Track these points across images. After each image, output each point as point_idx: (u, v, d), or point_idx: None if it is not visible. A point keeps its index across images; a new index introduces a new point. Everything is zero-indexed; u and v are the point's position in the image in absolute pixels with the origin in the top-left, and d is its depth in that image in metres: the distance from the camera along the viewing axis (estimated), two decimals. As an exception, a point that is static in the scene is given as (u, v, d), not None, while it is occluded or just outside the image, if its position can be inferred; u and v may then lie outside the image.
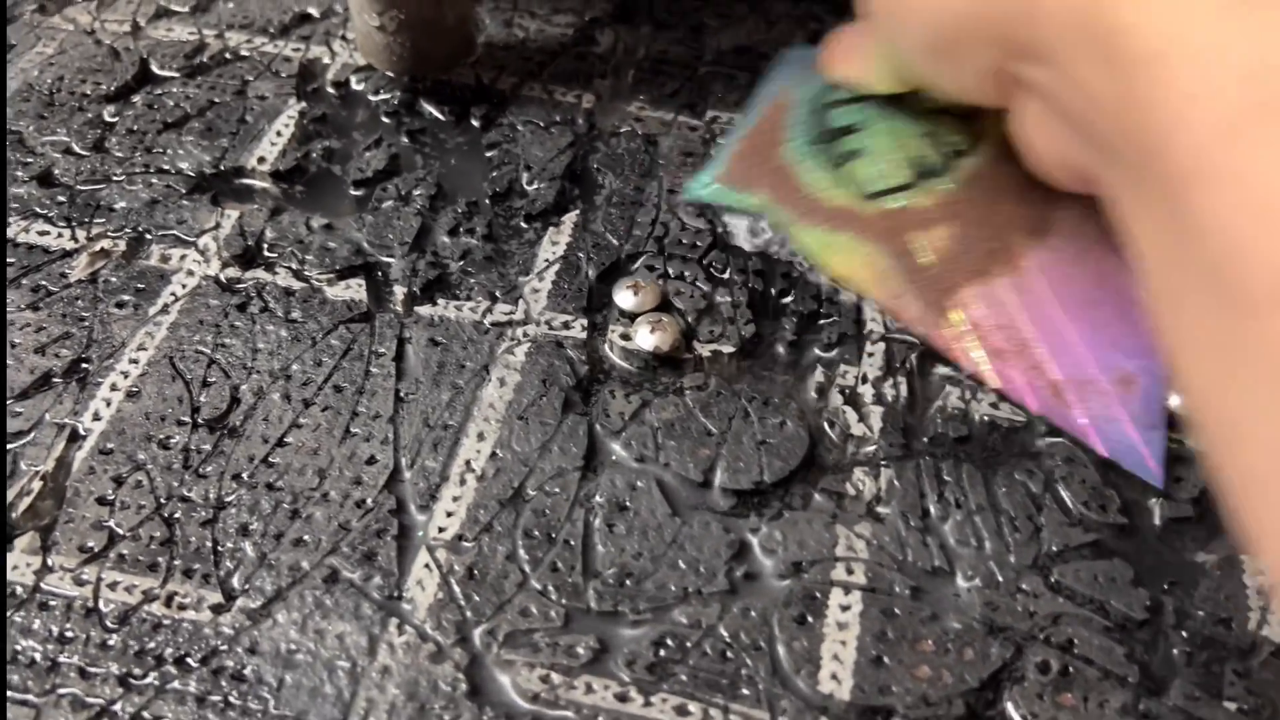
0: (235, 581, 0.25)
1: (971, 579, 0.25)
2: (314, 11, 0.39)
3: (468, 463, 0.27)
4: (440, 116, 0.36)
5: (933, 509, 0.26)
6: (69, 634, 0.24)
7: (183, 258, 0.32)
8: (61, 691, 0.23)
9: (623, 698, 0.23)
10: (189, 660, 0.24)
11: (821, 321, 0.30)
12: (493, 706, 0.23)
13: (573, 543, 0.26)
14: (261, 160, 0.34)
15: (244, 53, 0.38)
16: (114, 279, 0.31)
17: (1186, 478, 0.27)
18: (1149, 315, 0.27)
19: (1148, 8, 0.20)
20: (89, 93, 0.36)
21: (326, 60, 0.38)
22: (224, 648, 0.24)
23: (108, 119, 0.35)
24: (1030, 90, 0.25)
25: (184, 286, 0.31)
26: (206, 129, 0.35)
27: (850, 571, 0.25)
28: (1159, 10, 0.20)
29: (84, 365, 0.29)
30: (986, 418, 0.28)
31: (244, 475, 0.27)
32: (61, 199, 0.33)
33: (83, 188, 0.33)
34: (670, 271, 0.31)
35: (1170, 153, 0.20)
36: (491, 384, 0.29)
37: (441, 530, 0.26)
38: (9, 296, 0.30)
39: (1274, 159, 0.18)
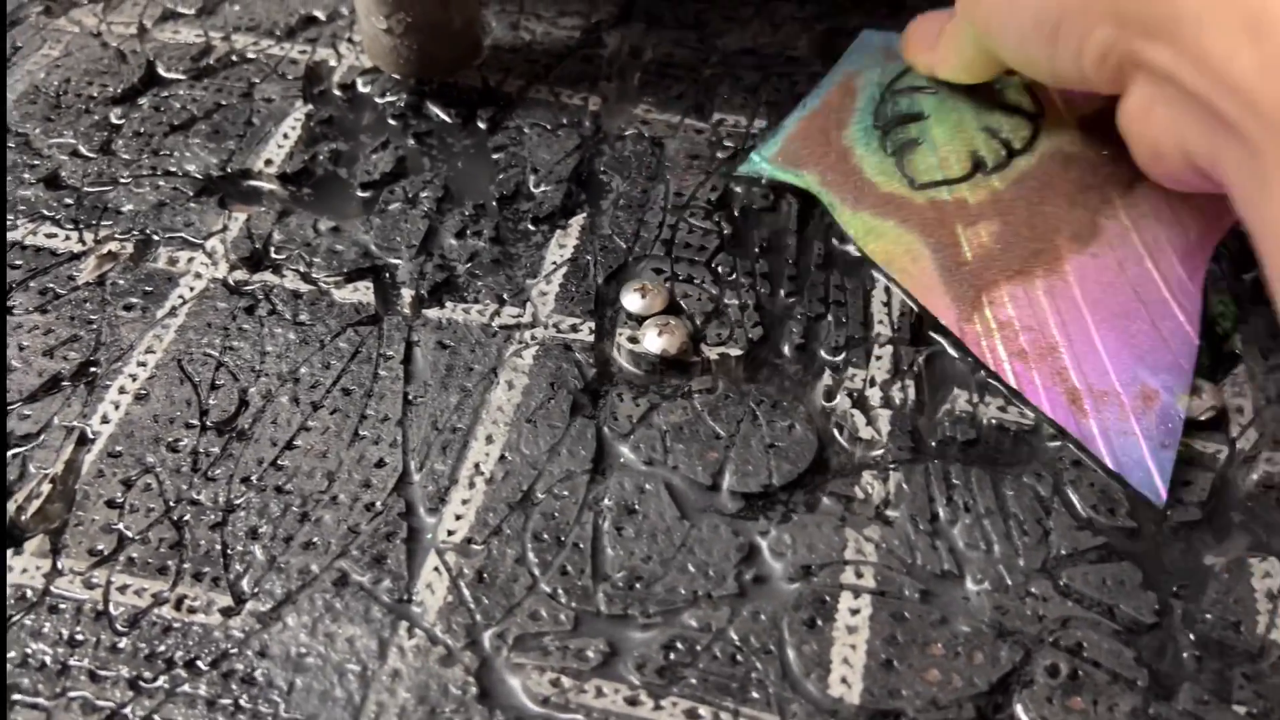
0: (245, 585, 0.25)
1: (980, 582, 0.25)
2: (320, 14, 0.39)
3: (476, 466, 0.27)
4: (447, 119, 0.36)
5: (941, 512, 0.26)
6: (79, 637, 0.24)
7: (190, 260, 0.32)
8: (72, 695, 0.23)
9: (633, 701, 0.23)
10: (199, 664, 0.24)
11: (829, 324, 0.30)
12: (503, 710, 0.23)
13: (582, 546, 0.26)
14: (269, 163, 0.34)
15: (250, 55, 0.38)
16: (122, 281, 0.31)
17: (1195, 482, 0.27)
18: (1183, 333, 0.27)
19: None
20: (95, 95, 0.36)
21: (333, 63, 0.38)
22: (234, 651, 0.24)
23: (114, 121, 0.35)
24: (1147, 72, 0.25)
25: (192, 289, 0.31)
26: (213, 131, 0.35)
27: (859, 575, 0.25)
28: None
29: (92, 368, 0.29)
30: (995, 421, 0.28)
31: (253, 478, 0.27)
32: (69, 201, 0.33)
33: (90, 190, 0.33)
34: (678, 274, 0.31)
35: None
36: (500, 387, 0.29)
37: (451, 533, 0.26)
38: (18, 299, 0.30)
39: None
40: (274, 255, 0.32)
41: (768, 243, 0.32)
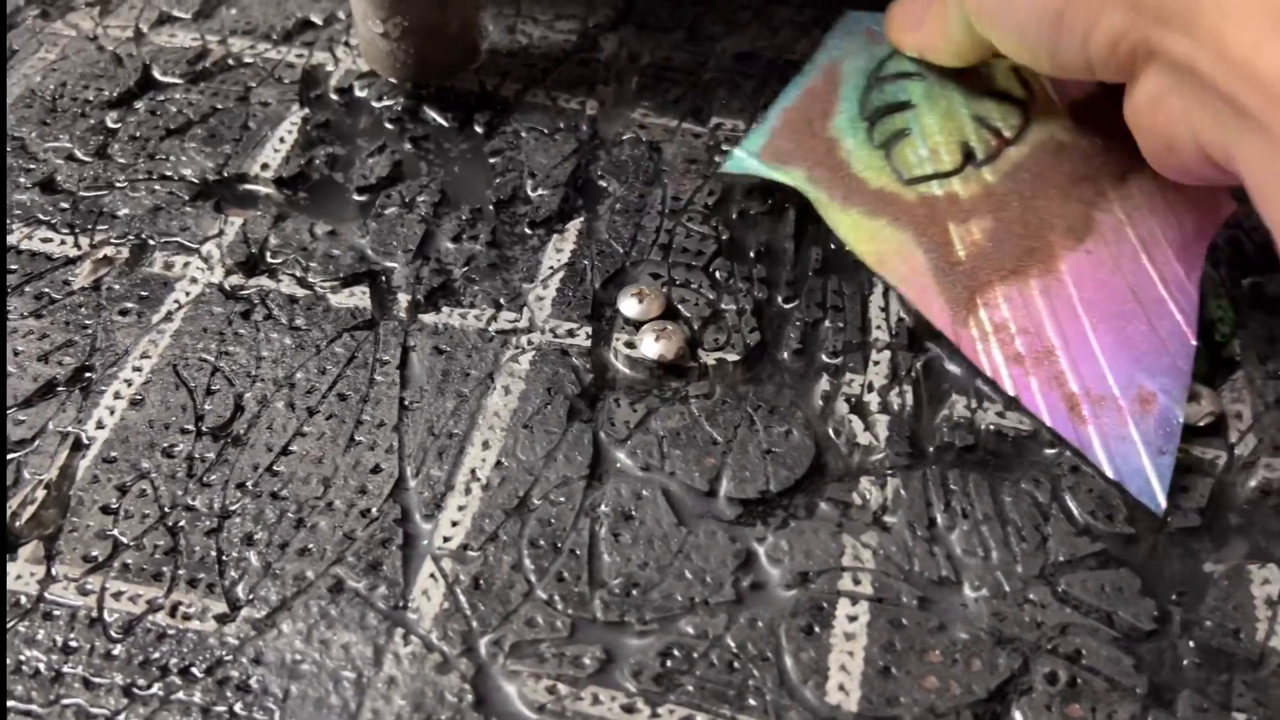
0: (240, 591, 0.25)
1: (979, 589, 0.25)
2: (317, 18, 0.39)
3: (473, 471, 0.27)
4: (444, 123, 0.36)
5: (939, 518, 0.26)
6: (73, 644, 0.24)
7: (186, 265, 0.31)
8: (66, 702, 0.23)
9: (629, 708, 0.23)
10: (194, 670, 0.24)
11: (827, 330, 0.30)
12: (499, 717, 0.23)
13: (578, 552, 0.26)
14: (265, 167, 0.34)
15: (247, 59, 0.38)
16: (117, 286, 0.31)
17: (1194, 488, 0.27)
18: (1180, 334, 0.27)
19: None
20: (91, 99, 0.36)
21: (330, 67, 0.38)
22: (229, 658, 0.24)
23: (110, 125, 0.35)
24: (1161, 61, 0.24)
25: (187, 294, 0.31)
26: (209, 135, 0.35)
27: (857, 581, 0.25)
28: None
29: (87, 373, 0.29)
30: (993, 426, 0.28)
31: (248, 484, 0.27)
32: (64, 206, 0.33)
33: (86, 194, 0.33)
34: (675, 279, 0.31)
35: None
36: (496, 392, 0.29)
37: (447, 539, 0.26)
38: (13, 304, 0.30)
39: None
40: (270, 260, 0.32)
41: (765, 247, 0.32)
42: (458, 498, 0.27)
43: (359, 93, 0.37)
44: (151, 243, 0.32)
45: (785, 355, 0.30)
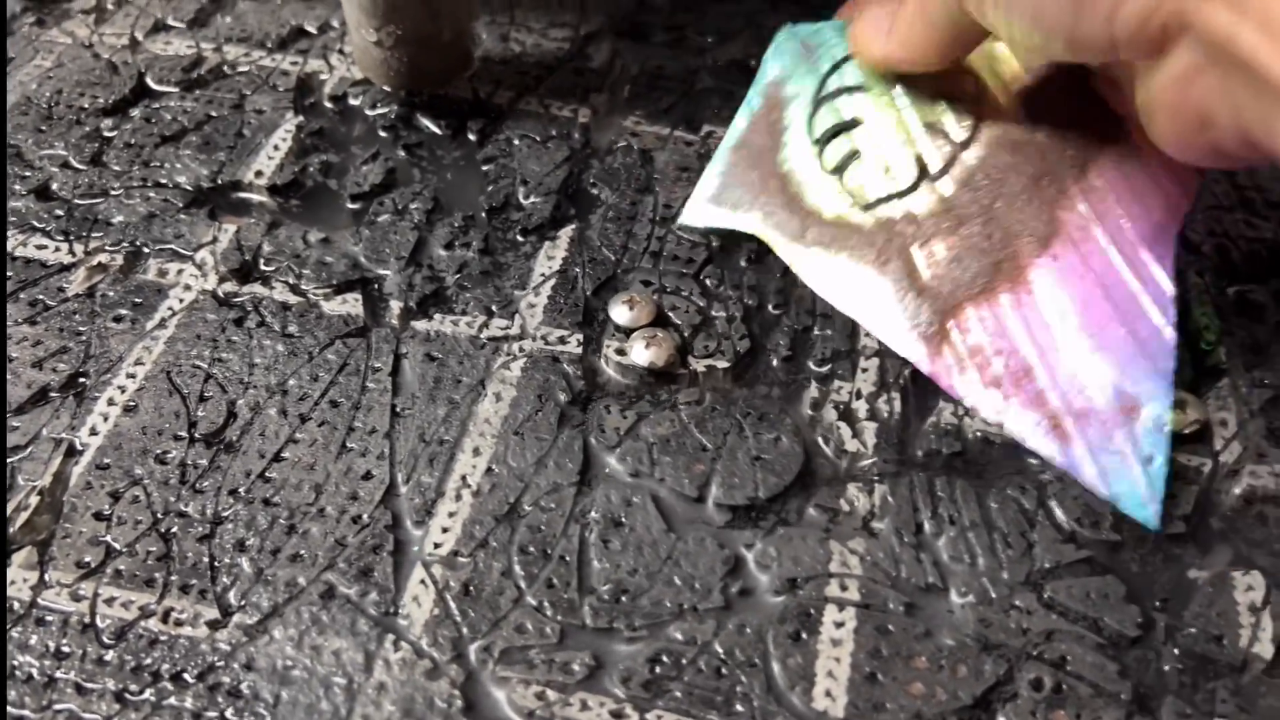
0: (232, 597, 0.25)
1: (965, 595, 0.25)
2: (311, 27, 0.39)
3: (463, 478, 0.27)
4: (437, 131, 0.36)
5: (926, 525, 0.27)
6: (66, 649, 0.24)
7: (180, 272, 0.32)
8: (58, 707, 0.23)
9: (618, 715, 0.23)
10: (185, 676, 0.24)
11: (816, 337, 0.30)
12: (488, 723, 0.23)
13: (568, 558, 0.26)
14: (259, 174, 0.34)
15: (242, 67, 0.38)
16: (111, 293, 0.31)
17: (1179, 495, 0.27)
18: (1157, 333, 0.27)
19: None
20: (87, 106, 0.36)
21: (324, 74, 0.38)
22: (220, 664, 0.24)
23: (105, 133, 0.35)
24: (1196, 35, 0.23)
25: (181, 301, 0.31)
26: (204, 143, 0.35)
27: (844, 588, 0.25)
28: None
29: (81, 380, 0.29)
30: (980, 433, 0.28)
31: (241, 490, 0.27)
32: (59, 213, 0.33)
33: (80, 201, 0.33)
34: (666, 286, 0.31)
35: None
36: (487, 399, 0.29)
37: (437, 546, 0.26)
38: (7, 311, 0.30)
39: None
40: (263, 267, 0.32)
41: (755, 255, 0.32)
42: (448, 504, 0.27)
43: (353, 100, 0.37)
44: (146, 250, 0.32)
45: (775, 362, 0.30)
